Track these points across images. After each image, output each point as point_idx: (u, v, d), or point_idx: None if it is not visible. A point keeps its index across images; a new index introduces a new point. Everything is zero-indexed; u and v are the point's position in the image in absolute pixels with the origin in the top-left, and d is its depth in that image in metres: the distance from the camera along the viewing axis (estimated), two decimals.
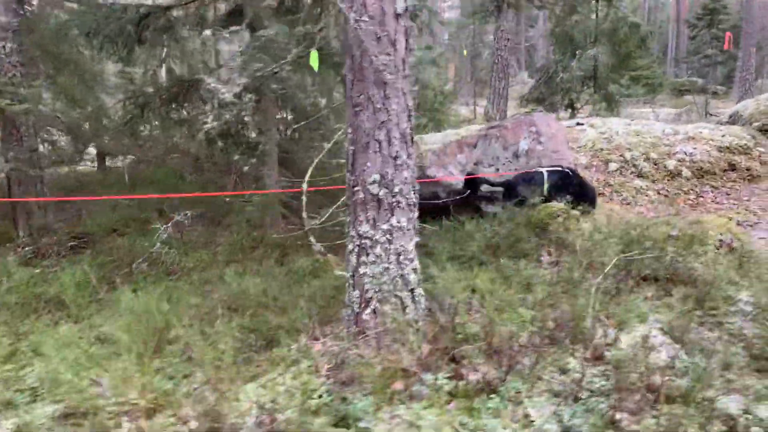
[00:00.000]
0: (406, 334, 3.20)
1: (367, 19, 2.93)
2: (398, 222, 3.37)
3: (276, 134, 7.56)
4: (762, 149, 9.17)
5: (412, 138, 3.38)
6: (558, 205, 5.65)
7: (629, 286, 4.18)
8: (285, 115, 8.31)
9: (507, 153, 7.07)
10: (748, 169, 8.62)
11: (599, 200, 7.47)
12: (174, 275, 5.76)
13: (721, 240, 4.75)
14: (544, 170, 6.24)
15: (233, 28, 6.27)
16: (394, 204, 3.34)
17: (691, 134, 9.14)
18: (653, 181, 8.31)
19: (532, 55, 31.94)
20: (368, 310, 3.55)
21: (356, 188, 3.41)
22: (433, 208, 6.89)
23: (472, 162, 7.07)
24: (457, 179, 6.97)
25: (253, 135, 7.27)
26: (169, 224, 6.16)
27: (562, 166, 6.35)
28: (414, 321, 3.49)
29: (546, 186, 6.06)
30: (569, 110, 16.65)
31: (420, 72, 14.48)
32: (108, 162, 11.89)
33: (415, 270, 3.58)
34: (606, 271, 4.06)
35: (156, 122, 7.63)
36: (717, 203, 8.04)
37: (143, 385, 2.88)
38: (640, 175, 8.38)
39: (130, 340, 3.24)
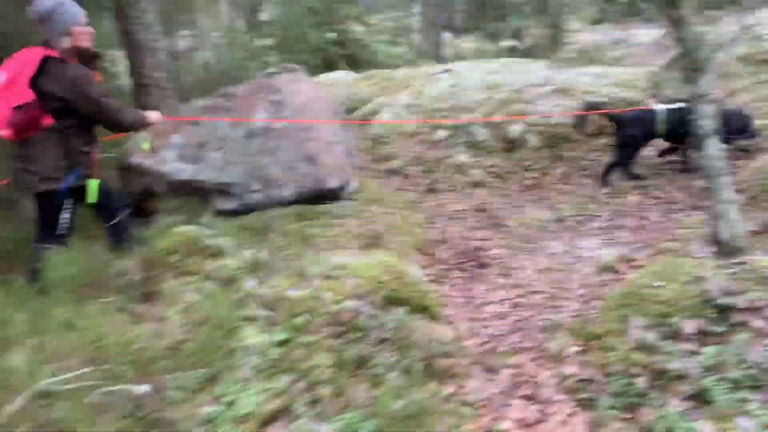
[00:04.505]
0: None
1: None
2: None
3: None
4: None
5: None
6: (193, 230, 3.90)
7: None
8: None
9: (239, 132, 5.27)
10: None
11: (389, 189, 5.66)
12: None
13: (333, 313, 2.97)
14: (656, 107, 5.70)
15: None
16: None
17: (564, 85, 7.02)
18: (488, 154, 6.35)
19: None
20: None
21: None
22: (142, 207, 5.26)
23: (194, 143, 5.31)
24: (176, 168, 5.23)
25: None
26: None
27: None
28: None
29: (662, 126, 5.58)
30: (516, 39, 14.25)
31: None
32: None
33: None
34: None
35: None
36: (565, 184, 6.08)
37: None
38: (474, 146, 6.42)
39: None
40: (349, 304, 3.02)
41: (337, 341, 2.88)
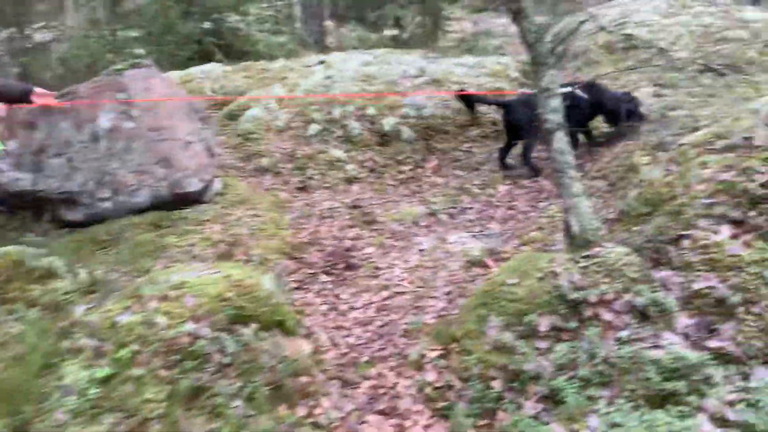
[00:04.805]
0: None
1: None
2: None
3: None
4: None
5: None
6: (17, 250, 3.44)
7: None
8: None
9: (82, 134, 4.77)
10: (494, 123, 6.56)
11: (258, 189, 5.34)
12: None
13: None
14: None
15: None
16: None
17: (438, 76, 6.97)
18: (362, 148, 6.18)
19: None
20: None
21: None
22: None
23: (32, 150, 4.76)
24: (14, 176, 4.67)
25: None
26: None
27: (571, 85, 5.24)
28: None
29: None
30: (397, 28, 14.16)
31: None
32: None
33: None
34: None
35: None
36: (438, 176, 6.02)
37: None
38: (349, 140, 6.23)
39: None
40: (187, 327, 2.73)
41: (171, 372, 2.60)
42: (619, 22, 8.20)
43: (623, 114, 5.23)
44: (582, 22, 3.02)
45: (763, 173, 3.20)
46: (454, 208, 5.32)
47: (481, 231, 4.86)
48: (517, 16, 2.78)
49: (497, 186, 5.61)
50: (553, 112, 2.91)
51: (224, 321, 2.84)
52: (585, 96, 5.09)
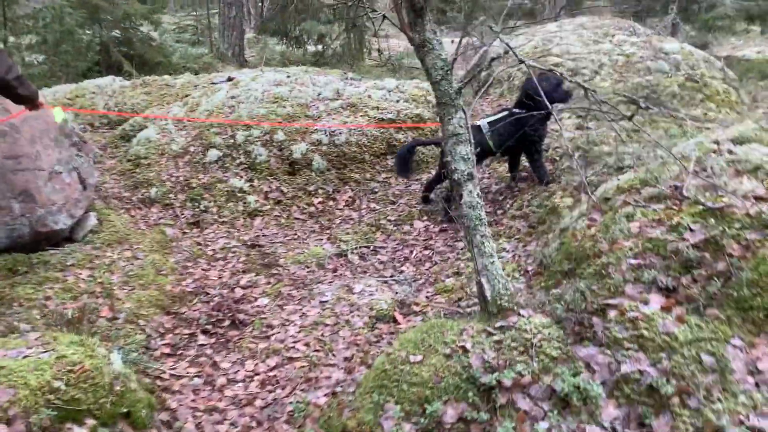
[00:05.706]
0: None
1: None
2: None
3: None
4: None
5: None
6: None
7: None
8: None
9: None
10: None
11: (142, 224, 4.64)
12: None
13: None
14: (480, 122, 4.81)
15: None
16: None
17: (354, 100, 6.48)
18: (268, 177, 5.59)
19: None
20: None
21: None
22: None
23: None
24: None
25: None
26: None
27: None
28: None
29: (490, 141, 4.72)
30: (320, 44, 13.63)
31: None
32: None
33: None
34: None
35: None
36: (353, 209, 5.51)
37: None
38: (253, 168, 5.63)
39: None
40: None
41: None
42: (540, 50, 8.00)
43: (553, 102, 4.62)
44: (490, 61, 2.58)
45: (694, 231, 2.85)
46: (367, 247, 4.83)
47: (393, 276, 4.38)
48: (421, 49, 2.31)
49: (414, 222, 5.16)
50: (463, 160, 2.44)
51: (48, 420, 2.20)
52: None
